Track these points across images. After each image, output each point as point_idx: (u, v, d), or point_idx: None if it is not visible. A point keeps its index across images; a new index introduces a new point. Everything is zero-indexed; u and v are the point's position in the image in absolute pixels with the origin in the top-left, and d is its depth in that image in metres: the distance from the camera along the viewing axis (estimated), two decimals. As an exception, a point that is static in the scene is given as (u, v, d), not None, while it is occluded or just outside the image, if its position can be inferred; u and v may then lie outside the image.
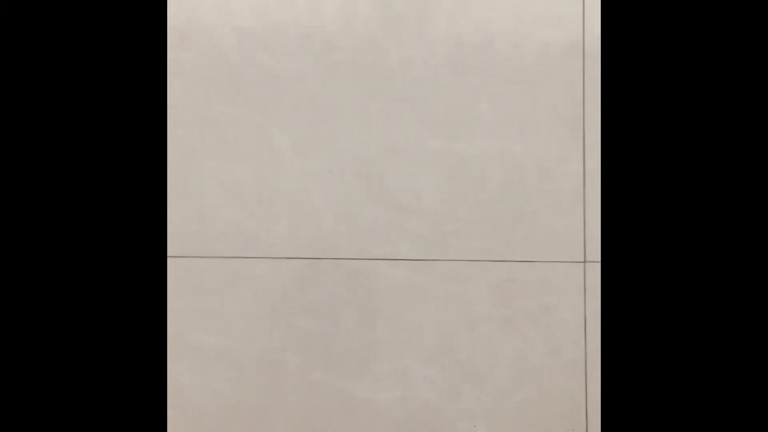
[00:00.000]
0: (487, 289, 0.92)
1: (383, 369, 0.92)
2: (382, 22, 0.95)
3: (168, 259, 0.91)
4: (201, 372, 0.91)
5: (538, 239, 0.93)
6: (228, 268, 0.92)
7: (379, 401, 0.92)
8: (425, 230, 0.93)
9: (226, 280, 0.91)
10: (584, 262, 0.93)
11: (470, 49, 0.95)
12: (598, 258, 0.95)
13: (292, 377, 0.91)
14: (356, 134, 0.94)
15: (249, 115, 0.93)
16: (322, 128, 0.94)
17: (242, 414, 0.91)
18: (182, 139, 0.93)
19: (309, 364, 0.92)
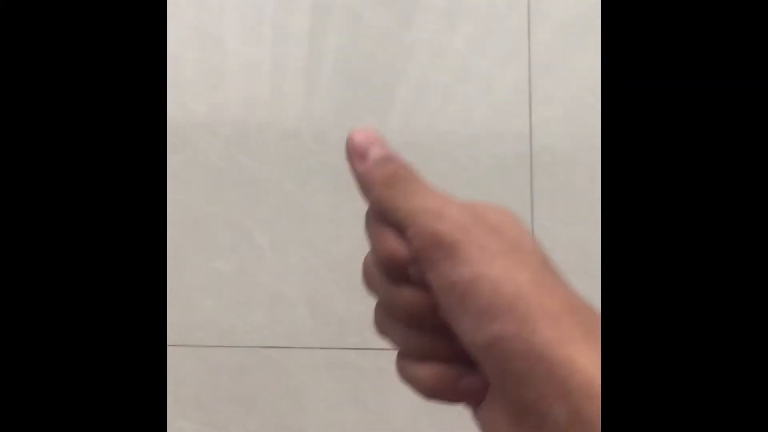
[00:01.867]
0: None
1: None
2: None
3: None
4: (175, 457, 0.95)
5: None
6: (208, 356, 0.97)
7: (345, 485, 0.96)
8: (392, 322, 1.00)
9: (204, 368, 0.97)
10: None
11: (432, 158, 1.06)
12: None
13: (263, 462, 0.96)
14: (329, 233, 1.02)
15: (231, 213, 1.01)
16: (299, 227, 1.02)
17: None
18: (169, 235, 0.99)
19: (282, 448, 0.96)
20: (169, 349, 0.96)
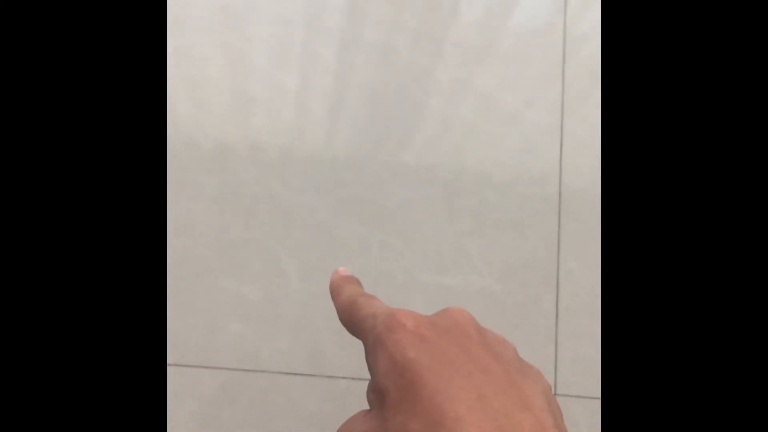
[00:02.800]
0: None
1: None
2: (387, 167, 1.07)
3: (173, 367, 0.97)
4: (192, 478, 0.95)
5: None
6: (231, 379, 0.98)
7: None
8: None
9: (227, 391, 0.98)
10: (554, 395, 1.02)
11: (463, 195, 1.07)
12: (568, 392, 1.03)
13: (278, 488, 0.96)
14: (356, 263, 1.03)
15: (261, 239, 1.03)
16: (326, 255, 1.03)
17: None
18: (200, 257, 1.01)
19: (298, 475, 0.97)
20: (191, 369, 0.97)
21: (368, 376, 0.99)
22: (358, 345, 1.00)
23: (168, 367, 0.97)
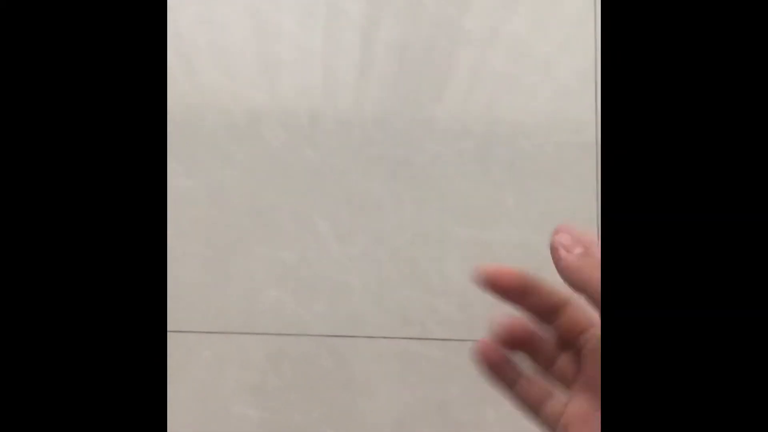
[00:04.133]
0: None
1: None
2: (417, 123, 1.05)
3: (217, 335, 0.98)
4: (242, 442, 0.97)
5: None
6: (272, 344, 0.99)
7: (408, 473, 0.97)
8: (454, 312, 1.00)
9: (269, 356, 0.98)
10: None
11: (492, 146, 1.05)
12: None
13: (326, 449, 0.97)
14: (391, 222, 1.02)
15: (295, 203, 1.02)
16: (360, 216, 1.02)
17: (279, 483, 0.97)
18: (234, 226, 1.01)
19: (345, 436, 0.98)
20: (233, 336, 0.98)
21: (408, 334, 0.99)
22: (395, 305, 0.99)
23: (212, 335, 0.98)
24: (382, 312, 1.00)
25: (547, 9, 1.10)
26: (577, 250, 0.32)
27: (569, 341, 0.36)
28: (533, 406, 0.36)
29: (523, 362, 0.37)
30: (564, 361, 0.36)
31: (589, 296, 0.31)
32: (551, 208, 1.03)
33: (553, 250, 0.33)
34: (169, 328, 0.97)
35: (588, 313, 0.35)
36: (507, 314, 0.37)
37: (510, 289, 0.36)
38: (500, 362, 0.37)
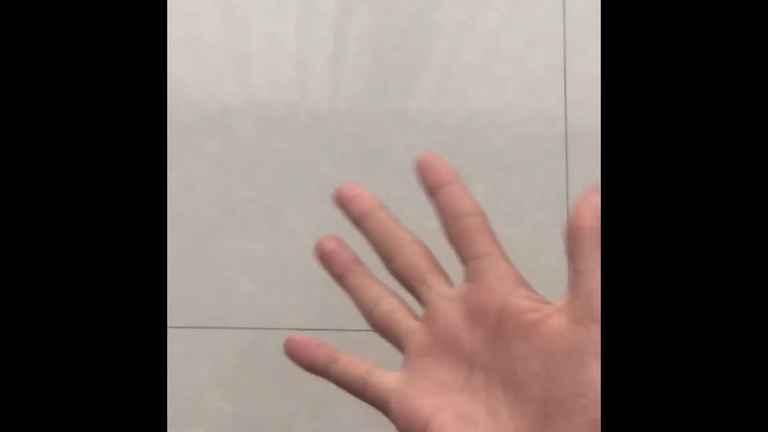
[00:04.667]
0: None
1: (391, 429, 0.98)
2: (390, 115, 1.05)
3: (189, 329, 0.98)
4: (214, 436, 0.97)
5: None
6: (244, 338, 0.98)
7: (381, 464, 0.98)
8: (427, 304, 1.01)
9: (241, 349, 0.98)
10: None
11: (465, 139, 1.05)
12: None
13: (300, 441, 0.97)
14: (363, 215, 1.02)
15: (266, 196, 1.02)
16: (333, 209, 1.02)
17: (252, 476, 0.96)
18: (206, 218, 1.01)
19: (319, 429, 0.98)
20: (206, 330, 0.98)
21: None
22: (370, 297, 1.00)
23: (184, 330, 0.97)
24: (352, 305, 1.00)
25: (518, 3, 1.11)
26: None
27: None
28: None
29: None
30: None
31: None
32: (522, 199, 1.04)
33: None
34: (140, 322, 0.96)
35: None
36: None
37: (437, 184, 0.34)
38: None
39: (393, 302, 0.32)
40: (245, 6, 1.08)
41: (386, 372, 0.33)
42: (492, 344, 0.29)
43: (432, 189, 0.33)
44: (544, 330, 0.28)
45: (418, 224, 1.06)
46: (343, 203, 0.35)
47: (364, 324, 1.03)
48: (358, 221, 0.34)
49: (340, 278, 0.34)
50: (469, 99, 1.07)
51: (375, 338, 1.03)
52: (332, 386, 0.99)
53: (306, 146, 1.04)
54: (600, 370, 0.26)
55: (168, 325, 0.97)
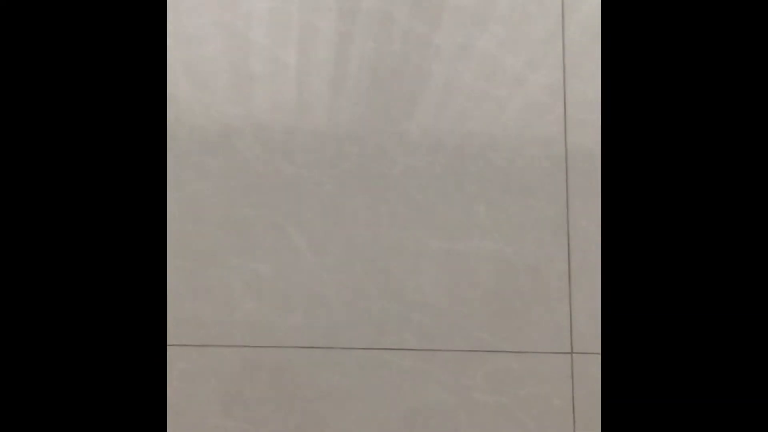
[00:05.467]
0: (484, 377, 1.01)
1: (388, 452, 0.98)
2: (390, 136, 1.07)
3: (193, 348, 0.98)
4: (217, 455, 0.97)
5: (528, 332, 1.02)
6: (248, 356, 0.99)
7: (384, 483, 0.98)
8: (428, 322, 1.01)
9: (245, 368, 0.99)
10: (571, 353, 1.02)
11: (464, 160, 1.07)
12: (584, 349, 1.03)
13: (302, 460, 0.97)
14: (365, 234, 1.03)
15: (270, 215, 1.03)
16: (335, 229, 1.03)
17: (255, 495, 0.96)
18: (209, 237, 1.02)
19: (321, 446, 0.98)
20: (210, 349, 0.98)
21: (384, 345, 1.00)
22: (371, 316, 1.01)
23: (188, 348, 0.98)
24: (357, 323, 1.01)
25: (517, 26, 1.13)
26: None
27: None
28: None
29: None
30: None
31: None
32: (523, 219, 1.05)
33: None
34: (144, 341, 0.96)
35: None
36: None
37: None
38: None
39: None
40: (248, 29, 1.10)
41: None
42: None
43: None
44: None
45: (420, 244, 1.08)
46: None
47: (368, 342, 1.05)
48: None
49: None
50: (469, 120, 1.09)
51: (379, 356, 1.04)
52: (334, 404, 1.00)
53: (308, 167, 1.05)
54: None
55: (172, 343, 0.97)
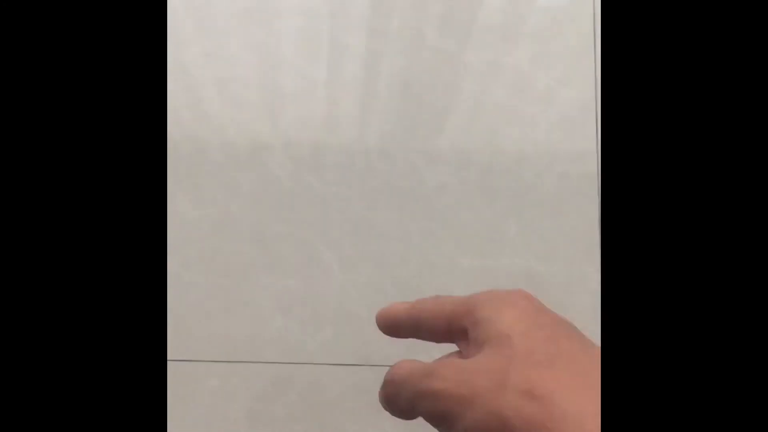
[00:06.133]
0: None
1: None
2: (420, 153, 1.07)
3: (223, 364, 0.99)
4: (247, 471, 0.97)
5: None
6: (278, 373, 0.99)
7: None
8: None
9: (275, 384, 0.99)
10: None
11: (494, 176, 1.06)
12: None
13: (332, 478, 0.97)
14: (395, 251, 1.03)
15: (301, 232, 1.03)
16: (365, 245, 1.03)
17: None
18: (240, 255, 1.02)
19: (351, 465, 0.98)
20: (239, 365, 0.99)
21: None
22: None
23: (218, 364, 0.98)
24: (388, 340, 1.00)
25: (547, 42, 1.13)
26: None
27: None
28: None
29: None
30: None
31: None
32: (553, 236, 1.04)
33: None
34: (176, 356, 0.97)
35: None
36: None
37: (401, 329, 0.35)
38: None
39: None
40: (278, 47, 1.11)
41: None
42: None
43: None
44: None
45: (450, 261, 1.08)
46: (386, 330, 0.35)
47: (399, 358, 1.03)
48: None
49: None
50: (499, 137, 1.08)
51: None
52: (367, 421, 1.00)
53: (338, 183, 1.05)
54: None
55: (203, 359, 0.98)
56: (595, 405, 0.25)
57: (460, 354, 0.31)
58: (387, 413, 0.33)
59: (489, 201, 1.05)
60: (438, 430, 0.29)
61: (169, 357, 0.96)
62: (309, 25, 1.12)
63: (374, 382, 1.05)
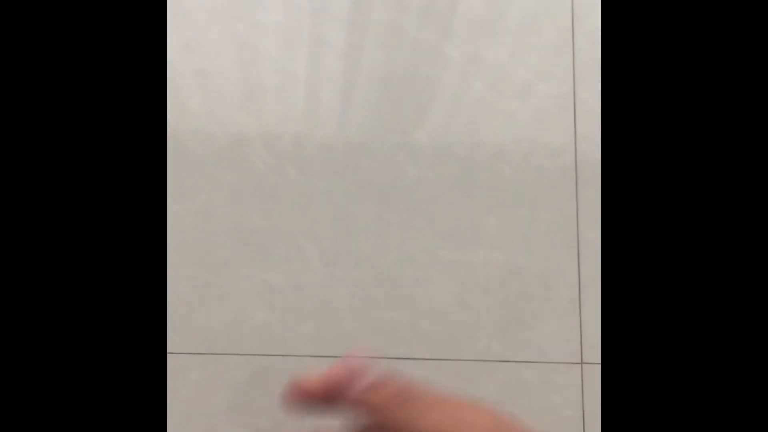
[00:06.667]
0: (494, 387, 1.01)
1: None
2: (400, 147, 1.07)
3: (204, 356, 0.99)
4: (228, 463, 0.97)
5: (538, 342, 1.02)
6: (259, 365, 0.99)
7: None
8: (439, 332, 1.02)
9: (257, 377, 0.99)
10: (581, 363, 1.02)
11: (478, 170, 1.07)
12: (594, 359, 1.04)
13: (313, 469, 0.98)
14: (376, 244, 1.04)
15: (282, 226, 1.04)
16: (346, 239, 1.04)
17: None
18: (221, 249, 1.03)
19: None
20: (223, 357, 0.99)
21: (397, 354, 1.00)
22: (381, 326, 1.01)
23: (200, 356, 0.98)
24: (368, 332, 1.01)
25: (526, 36, 1.14)
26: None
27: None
28: None
29: None
30: None
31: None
32: (532, 230, 1.06)
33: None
34: (156, 350, 0.97)
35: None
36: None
37: (315, 401, 0.34)
38: None
39: None
40: (258, 41, 1.11)
41: None
42: None
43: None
44: None
45: (430, 254, 1.08)
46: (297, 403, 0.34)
47: (379, 352, 1.04)
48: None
49: None
50: (478, 131, 1.09)
51: (389, 365, 1.04)
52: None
53: (319, 177, 1.06)
54: None
55: (184, 351, 0.98)
56: None
57: None
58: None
59: (468, 195, 1.06)
60: None
61: (150, 350, 0.96)
62: (289, 18, 1.12)
63: (355, 373, 1.02)
